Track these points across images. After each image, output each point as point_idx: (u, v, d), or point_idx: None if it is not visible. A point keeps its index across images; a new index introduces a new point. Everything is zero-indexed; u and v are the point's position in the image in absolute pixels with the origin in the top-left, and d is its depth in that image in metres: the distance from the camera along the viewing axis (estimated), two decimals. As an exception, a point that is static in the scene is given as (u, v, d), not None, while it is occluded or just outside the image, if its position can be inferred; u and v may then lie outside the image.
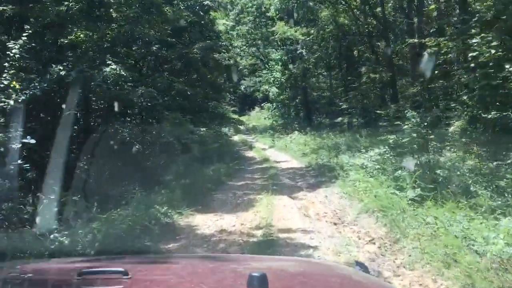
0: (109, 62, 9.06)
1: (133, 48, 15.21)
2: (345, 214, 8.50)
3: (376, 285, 1.81)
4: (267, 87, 32.56)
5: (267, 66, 34.83)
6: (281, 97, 31.24)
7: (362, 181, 9.88)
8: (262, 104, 35.45)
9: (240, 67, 42.31)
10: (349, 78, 28.55)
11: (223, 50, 17.64)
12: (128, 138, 11.49)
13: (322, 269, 1.88)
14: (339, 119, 25.78)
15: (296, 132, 26.99)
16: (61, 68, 8.70)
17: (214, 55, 16.38)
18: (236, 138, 33.70)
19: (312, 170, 15.35)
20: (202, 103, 18.96)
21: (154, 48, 15.65)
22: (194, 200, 9.95)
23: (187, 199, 9.72)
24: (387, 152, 10.58)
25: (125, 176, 12.00)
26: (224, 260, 2.26)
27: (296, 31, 27.45)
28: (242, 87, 46.28)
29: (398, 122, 10.81)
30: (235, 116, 28.90)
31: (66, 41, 10.92)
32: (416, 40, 18.33)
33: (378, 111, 22.29)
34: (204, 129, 12.83)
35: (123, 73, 8.72)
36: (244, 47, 34.37)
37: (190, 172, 10.88)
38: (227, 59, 17.85)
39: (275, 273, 1.64)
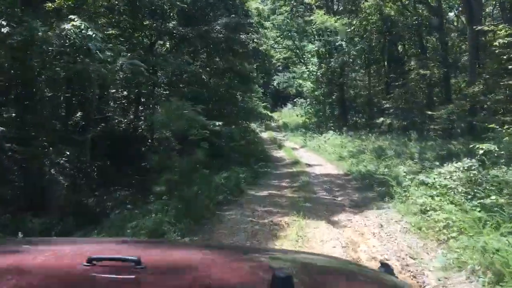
0: (72, 17, 5.90)
1: (146, 23, 12.19)
2: (421, 267, 5.12)
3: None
4: (301, 82, 29.02)
5: (302, 60, 31.31)
6: (316, 93, 27.66)
7: (439, 209, 6.45)
8: (295, 100, 31.88)
9: (274, 61, 38.99)
10: (391, 75, 24.85)
11: (252, 30, 14.32)
12: (117, 129, 8.41)
13: (348, 269, 1.71)
14: (381, 119, 22.10)
15: (330, 131, 23.48)
16: (4, 23, 5.63)
17: (241, 36, 13.11)
18: (265, 135, 30.42)
19: (353, 180, 11.94)
20: (225, 94, 15.83)
21: (171, 24, 12.59)
22: (194, 222, 6.76)
23: (182, 220, 6.54)
24: (473, 167, 7.04)
25: (113, 180, 8.95)
26: (246, 252, 1.91)
27: (336, 21, 23.92)
28: (275, 83, 42.93)
29: (493, 125, 7.30)
30: (265, 111, 25.57)
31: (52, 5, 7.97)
32: (486, 27, 14.56)
33: (429, 112, 18.66)
34: (220, 123, 9.60)
35: (91, 32, 5.57)
36: (279, 38, 30.91)
37: (196, 179, 7.71)
38: (255, 40, 14.52)
39: (300, 272, 1.45)
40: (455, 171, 7.12)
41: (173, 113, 6.62)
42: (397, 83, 23.24)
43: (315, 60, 27.25)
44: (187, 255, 1.59)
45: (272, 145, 24.79)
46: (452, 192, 6.69)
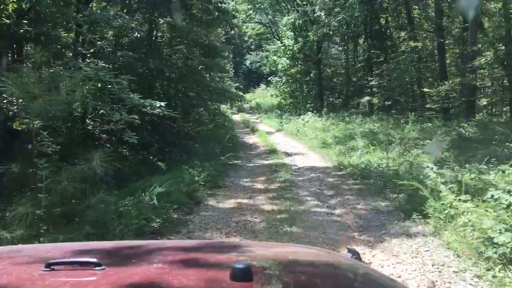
0: None
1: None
2: None
3: (370, 273, 1.49)
4: (275, 58, 25.39)
5: (276, 36, 27.66)
6: (292, 70, 24.15)
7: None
8: (269, 78, 28.21)
9: (246, 39, 35.19)
10: (372, 51, 21.53)
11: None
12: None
13: (312, 257, 1.57)
14: (365, 98, 18.93)
15: (309, 113, 20.16)
16: None
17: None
18: (237, 117, 26.94)
19: (349, 178, 8.65)
20: (184, 68, 12.24)
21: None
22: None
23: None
24: None
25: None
26: (208, 248, 1.74)
27: (314, -11, 20.44)
28: (247, 62, 39.27)
29: None
30: (235, 91, 22.03)
31: None
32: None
33: (425, 90, 15.56)
34: (162, 104, 6.09)
35: None
36: (250, 11, 27.13)
37: (101, 204, 4.23)
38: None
39: (261, 263, 1.39)
40: None
41: (43, 84, 3.16)
42: (379, 59, 20.09)
43: (290, 33, 23.65)
44: (149, 254, 1.46)
45: (245, 129, 21.35)
46: None
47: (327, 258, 1.59)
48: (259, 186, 8.29)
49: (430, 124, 13.49)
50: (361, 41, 25.79)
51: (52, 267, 1.13)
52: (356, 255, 1.56)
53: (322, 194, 7.47)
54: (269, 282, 1.18)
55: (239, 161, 11.51)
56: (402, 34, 17.44)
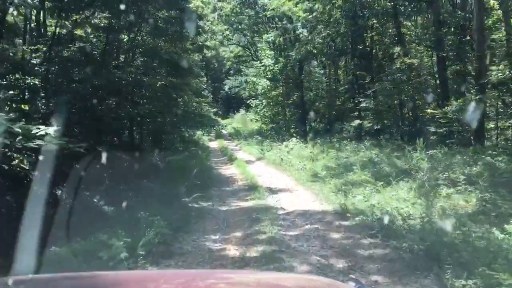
0: None
1: None
2: None
3: None
4: (255, 80, 22.67)
5: (254, 58, 25.14)
6: (274, 92, 21.46)
7: None
8: (249, 101, 25.28)
9: (224, 61, 32.65)
10: (358, 72, 19.05)
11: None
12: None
13: (319, 287, 1.54)
14: (356, 122, 16.31)
15: (293, 139, 17.39)
16: None
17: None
18: (215, 144, 23.99)
19: (361, 230, 5.78)
20: (140, 84, 9.42)
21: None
22: None
23: None
24: None
25: None
26: (216, 277, 1.68)
27: (296, 5, 18.02)
28: (226, 87, 36.64)
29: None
30: (213, 116, 19.20)
31: None
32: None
33: (430, 110, 12.99)
34: (51, 130, 3.15)
35: None
36: (227, 32, 24.58)
37: None
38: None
39: None
40: None
41: None
42: (365, 81, 17.61)
43: (270, 53, 21.09)
44: (162, 284, 1.42)
45: (222, 158, 18.40)
46: None
47: None
48: (232, 251, 5.32)
49: (438, 151, 10.90)
50: (341, 64, 23.61)
51: None
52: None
53: (330, 268, 4.56)
54: None
55: (210, 203, 8.55)
56: (397, 49, 14.96)
